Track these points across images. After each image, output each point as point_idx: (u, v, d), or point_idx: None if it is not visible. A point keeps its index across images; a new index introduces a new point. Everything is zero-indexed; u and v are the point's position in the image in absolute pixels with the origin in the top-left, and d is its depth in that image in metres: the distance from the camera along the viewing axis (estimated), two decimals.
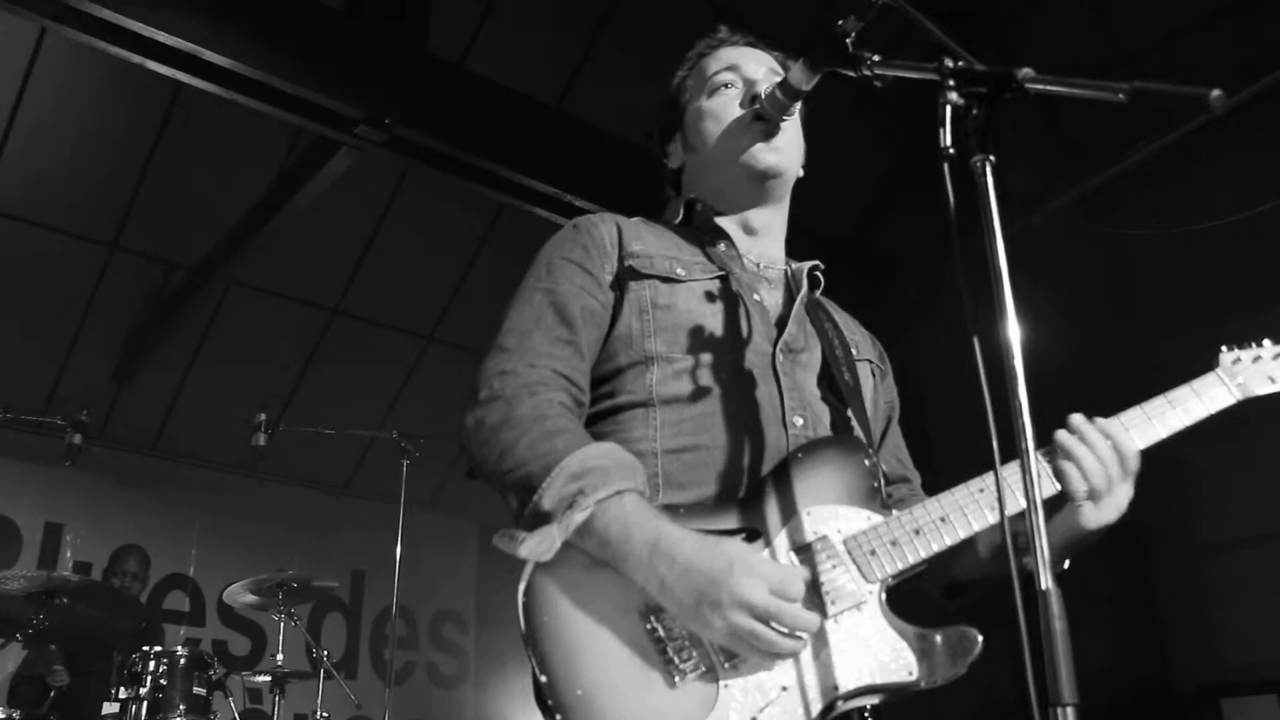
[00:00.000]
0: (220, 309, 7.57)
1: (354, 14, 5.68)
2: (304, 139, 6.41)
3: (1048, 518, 1.34)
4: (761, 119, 1.85)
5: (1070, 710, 1.12)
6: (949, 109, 1.33)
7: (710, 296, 1.79)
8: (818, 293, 1.99)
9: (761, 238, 1.95)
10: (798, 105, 1.79)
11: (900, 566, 1.56)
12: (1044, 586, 1.18)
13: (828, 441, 1.69)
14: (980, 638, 1.52)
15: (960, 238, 1.32)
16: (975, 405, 1.29)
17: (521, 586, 1.51)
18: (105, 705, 4.62)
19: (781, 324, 1.82)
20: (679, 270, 1.80)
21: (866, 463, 1.65)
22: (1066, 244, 6.93)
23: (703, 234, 1.92)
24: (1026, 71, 1.33)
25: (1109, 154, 6.67)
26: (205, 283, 7.11)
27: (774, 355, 1.76)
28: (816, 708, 1.47)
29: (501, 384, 1.63)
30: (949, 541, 1.58)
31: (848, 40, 1.53)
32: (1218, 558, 7.27)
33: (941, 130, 1.32)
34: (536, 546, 1.50)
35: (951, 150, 1.31)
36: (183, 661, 4.67)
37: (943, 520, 1.59)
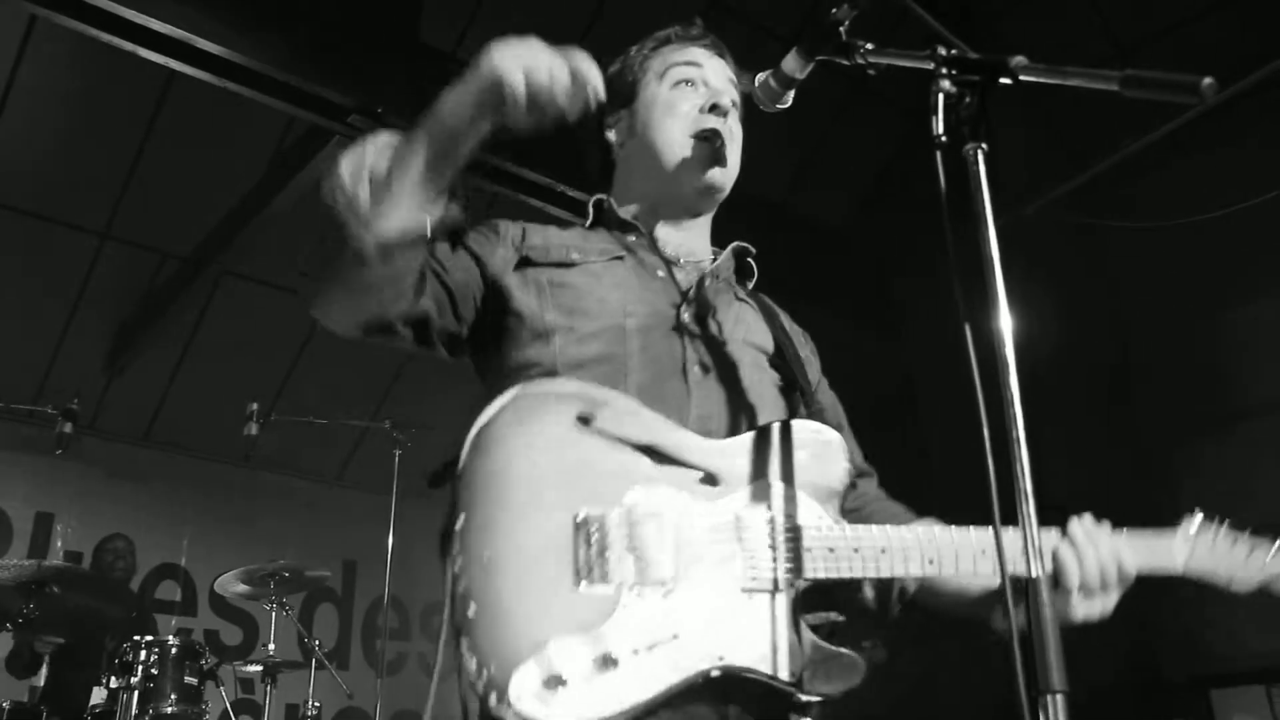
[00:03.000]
0: (212, 299, 7.54)
1: (347, 2, 5.66)
2: (296, 128, 6.38)
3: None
4: (710, 140, 1.88)
5: (1059, 697, 1.13)
6: (941, 97, 1.34)
7: (607, 272, 1.81)
8: (750, 284, 2.01)
9: (688, 233, 1.97)
10: (791, 94, 1.79)
11: (827, 574, 1.56)
12: (1034, 575, 1.18)
13: (816, 428, 1.68)
14: (864, 668, 1.53)
15: (953, 227, 1.32)
16: (968, 395, 1.29)
17: (482, 419, 1.48)
18: (95, 692, 4.61)
19: (696, 286, 1.84)
20: (574, 255, 1.82)
21: (845, 465, 1.66)
22: (1057, 237, 6.95)
23: (610, 229, 1.94)
24: (1019, 60, 1.33)
25: (1100, 147, 6.68)
26: (197, 272, 7.09)
27: (678, 314, 1.78)
28: (696, 667, 1.46)
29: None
30: (881, 573, 1.59)
31: (841, 29, 1.53)
32: None
33: (934, 118, 1.32)
34: (351, 166, 1.54)
35: (944, 138, 1.31)
36: (174, 651, 4.67)
37: (883, 552, 1.59)
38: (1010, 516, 1.28)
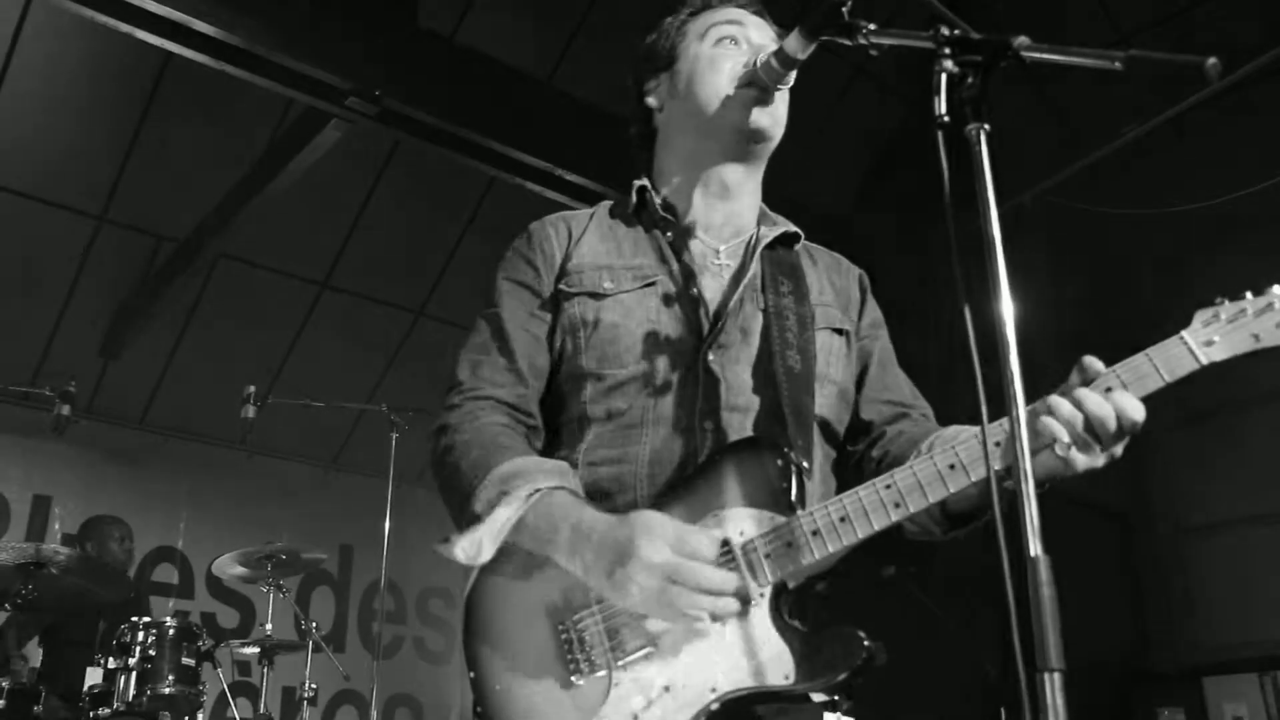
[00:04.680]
0: (209, 282, 7.53)
1: None
2: (294, 111, 6.36)
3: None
4: (758, 84, 1.84)
5: (1057, 676, 1.13)
6: (944, 77, 1.33)
7: (638, 306, 1.81)
8: (797, 246, 1.98)
9: (733, 200, 1.93)
10: (793, 74, 1.78)
11: (791, 569, 1.56)
12: (1033, 554, 1.18)
13: (741, 444, 1.69)
14: (866, 643, 1.50)
15: (954, 210, 1.31)
16: (968, 379, 1.29)
17: (467, 589, 1.69)
18: (90, 672, 4.63)
19: (719, 316, 1.81)
20: (607, 284, 1.84)
21: (778, 463, 1.63)
22: (1055, 223, 6.94)
23: (652, 224, 1.93)
24: (1022, 40, 1.32)
25: (1101, 133, 6.67)
26: (194, 256, 7.07)
27: (703, 354, 1.76)
28: (692, 710, 1.53)
29: (449, 415, 1.80)
30: (846, 543, 1.56)
31: (844, 8, 1.52)
32: (1201, 540, 7.34)
33: (936, 99, 1.31)
34: (468, 548, 1.63)
35: (946, 119, 1.30)
36: (171, 632, 4.69)
37: (842, 520, 1.56)
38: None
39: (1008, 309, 1.27)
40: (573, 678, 1.59)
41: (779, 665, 1.52)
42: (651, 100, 2.01)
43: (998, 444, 1.47)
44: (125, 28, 4.93)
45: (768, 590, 1.56)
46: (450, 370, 1.88)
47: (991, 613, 6.03)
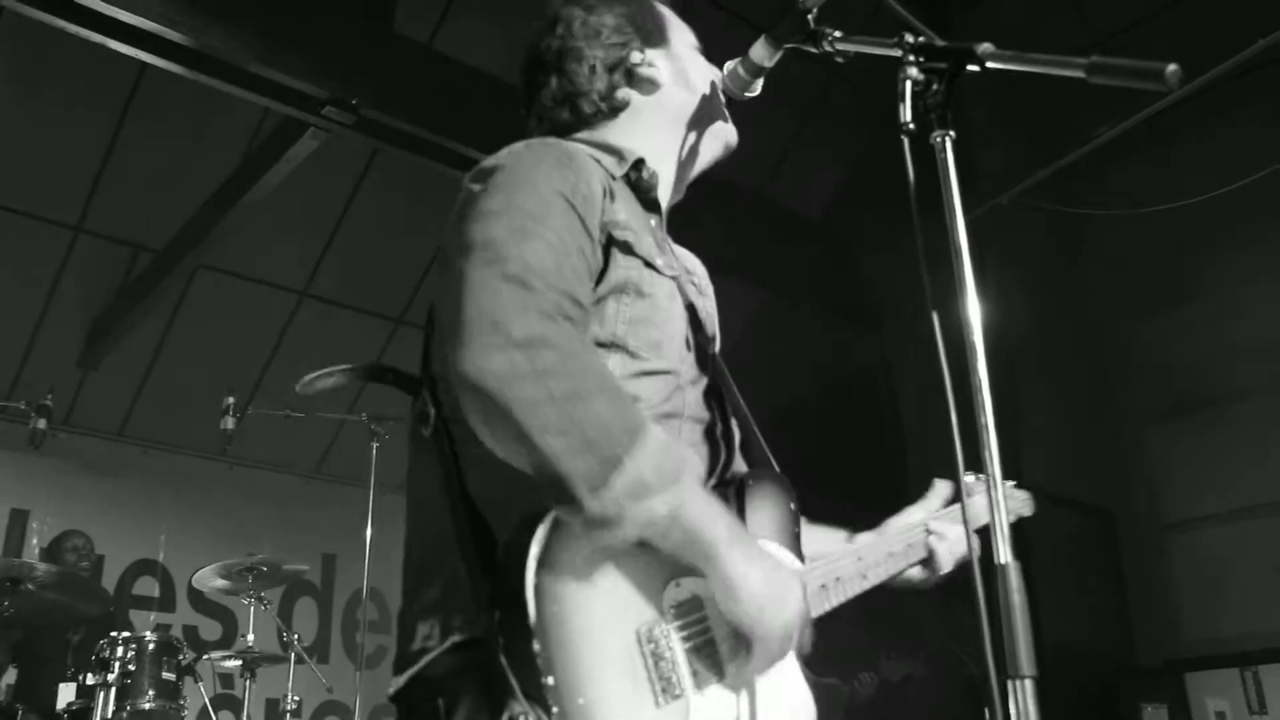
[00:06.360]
0: (187, 292, 7.49)
1: None
2: (270, 120, 6.34)
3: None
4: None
5: (1028, 682, 1.14)
6: (909, 85, 1.33)
7: (675, 295, 1.66)
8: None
9: (674, 204, 1.87)
10: (759, 81, 1.78)
11: (825, 609, 1.60)
12: (1002, 561, 1.19)
13: (773, 476, 1.68)
14: (846, 691, 1.61)
15: (923, 215, 1.32)
16: (941, 382, 1.29)
17: (530, 569, 1.32)
18: (62, 688, 4.58)
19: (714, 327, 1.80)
20: (659, 259, 1.64)
21: (793, 506, 1.64)
22: (1032, 224, 6.98)
23: (641, 205, 1.72)
24: (986, 47, 1.33)
25: (1076, 135, 6.71)
26: (172, 266, 7.03)
27: (715, 360, 1.73)
28: None
29: (545, 328, 1.34)
30: (851, 595, 1.67)
31: (809, 16, 1.53)
32: (1183, 535, 7.38)
33: (902, 106, 1.32)
34: (643, 517, 1.33)
35: (911, 126, 1.31)
36: (151, 647, 4.65)
37: (863, 577, 1.71)
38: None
39: (975, 314, 1.28)
40: (660, 700, 1.39)
41: (809, 708, 1.55)
42: (654, 72, 1.80)
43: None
44: (98, 38, 4.90)
45: None
46: (494, 268, 1.40)
47: (971, 617, 6.03)
